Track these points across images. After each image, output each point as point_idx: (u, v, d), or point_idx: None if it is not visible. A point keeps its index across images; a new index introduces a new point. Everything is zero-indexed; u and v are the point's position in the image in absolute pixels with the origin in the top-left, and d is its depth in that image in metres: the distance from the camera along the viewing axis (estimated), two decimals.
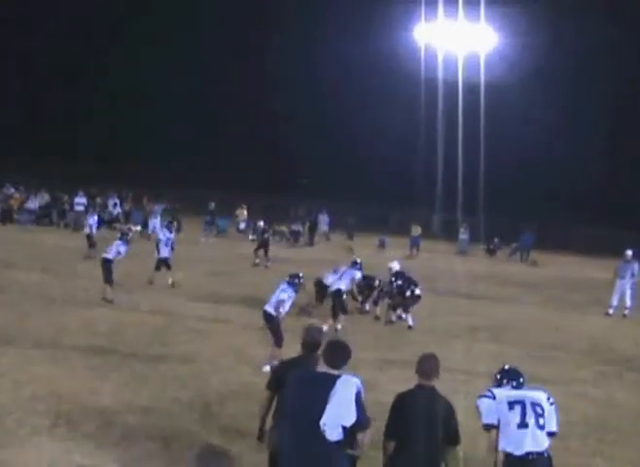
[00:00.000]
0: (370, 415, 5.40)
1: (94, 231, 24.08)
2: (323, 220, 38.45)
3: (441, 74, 45.60)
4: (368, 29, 49.44)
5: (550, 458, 5.67)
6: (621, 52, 48.14)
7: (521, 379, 5.99)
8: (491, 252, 36.51)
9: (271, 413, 6.23)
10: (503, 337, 15.48)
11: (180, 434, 8.33)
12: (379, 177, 47.81)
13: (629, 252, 20.06)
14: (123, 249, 16.77)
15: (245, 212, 36.97)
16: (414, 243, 33.64)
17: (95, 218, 25.25)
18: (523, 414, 5.60)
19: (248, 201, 37.44)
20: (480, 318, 17.40)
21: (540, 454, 5.55)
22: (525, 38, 48.94)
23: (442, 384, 5.87)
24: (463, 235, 37.01)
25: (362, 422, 5.28)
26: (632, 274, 19.79)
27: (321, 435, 5.17)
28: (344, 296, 15.42)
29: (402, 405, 5.57)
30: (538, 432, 5.58)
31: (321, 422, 5.16)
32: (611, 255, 27.47)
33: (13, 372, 10.17)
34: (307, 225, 36.13)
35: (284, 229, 35.77)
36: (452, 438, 5.55)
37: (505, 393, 5.76)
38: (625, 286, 19.68)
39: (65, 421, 8.44)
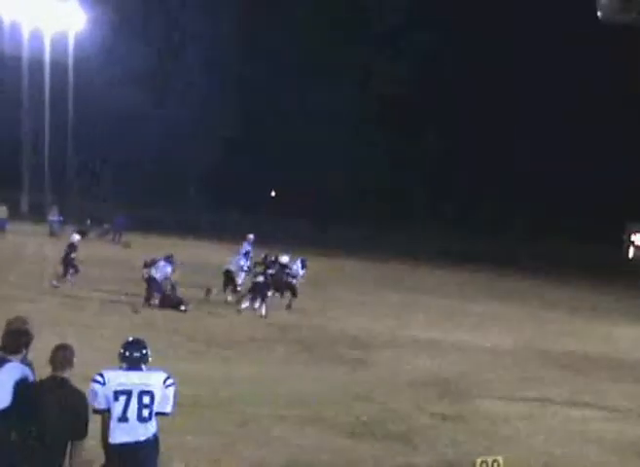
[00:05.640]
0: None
1: None
2: None
3: (26, 52, 43.77)
4: None
5: (154, 441, 5.67)
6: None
7: (144, 352, 5.75)
8: (82, 233, 36.36)
9: None
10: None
11: None
12: None
13: None
14: None
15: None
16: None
17: None
18: (126, 407, 5.52)
19: None
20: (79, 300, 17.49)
21: (138, 443, 5.59)
22: (115, 18, 49.48)
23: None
24: (53, 217, 36.30)
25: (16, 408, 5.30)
26: None
27: None
28: None
29: (28, 394, 5.40)
30: (137, 424, 5.53)
31: None
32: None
33: None
34: None
35: None
36: (80, 430, 5.46)
37: (116, 379, 5.55)
38: None
39: None
